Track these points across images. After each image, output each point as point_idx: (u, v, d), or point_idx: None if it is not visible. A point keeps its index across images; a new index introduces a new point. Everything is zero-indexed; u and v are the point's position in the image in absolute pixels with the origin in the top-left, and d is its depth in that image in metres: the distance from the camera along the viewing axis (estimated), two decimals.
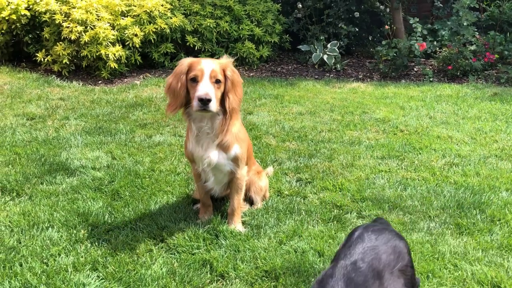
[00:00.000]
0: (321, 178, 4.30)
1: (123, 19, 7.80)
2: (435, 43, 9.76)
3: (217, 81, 3.11)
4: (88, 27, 7.41)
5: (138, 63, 8.08)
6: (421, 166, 4.61)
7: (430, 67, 9.14)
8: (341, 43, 9.65)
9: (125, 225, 3.46)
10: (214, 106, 3.06)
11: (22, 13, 7.50)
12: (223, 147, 3.27)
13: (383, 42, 8.97)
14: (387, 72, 8.70)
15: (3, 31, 7.62)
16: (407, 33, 9.55)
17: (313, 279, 2.87)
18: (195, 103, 3.04)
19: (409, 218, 3.64)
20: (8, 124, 5.50)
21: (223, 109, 3.19)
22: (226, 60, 3.22)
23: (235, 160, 3.35)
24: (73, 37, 7.31)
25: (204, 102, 3.00)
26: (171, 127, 5.59)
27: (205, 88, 3.03)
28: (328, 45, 9.27)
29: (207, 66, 3.09)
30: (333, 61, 9.05)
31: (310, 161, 4.69)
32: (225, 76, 3.15)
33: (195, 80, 3.09)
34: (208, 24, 8.43)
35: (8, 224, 3.43)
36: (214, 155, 3.26)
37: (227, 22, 8.71)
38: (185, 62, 3.18)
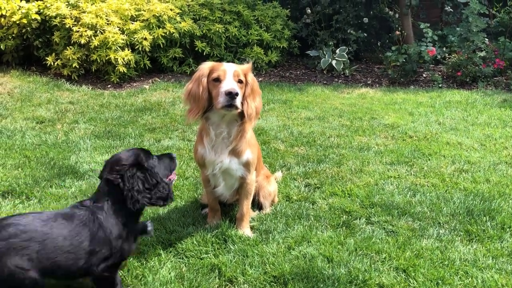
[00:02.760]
0: (330, 184, 4.29)
1: (132, 23, 7.84)
2: (444, 49, 9.73)
3: (240, 81, 3.13)
4: (98, 32, 7.45)
5: (147, 68, 8.11)
6: (430, 172, 4.59)
7: (439, 73, 9.10)
8: (350, 48, 9.64)
9: None
10: (239, 102, 3.06)
11: (33, 17, 7.54)
12: (236, 153, 3.28)
13: (393, 48, 8.96)
14: (396, 77, 8.68)
15: (13, 35, 7.66)
16: (416, 39, 9.53)
17: (322, 285, 2.86)
18: (220, 99, 3.03)
19: (418, 224, 3.62)
20: (18, 127, 5.53)
21: (240, 115, 3.19)
22: (247, 65, 3.25)
23: (247, 165, 3.35)
24: (83, 41, 7.34)
25: (232, 96, 3.00)
26: (180, 131, 5.60)
27: (231, 84, 3.06)
28: (337, 51, 9.27)
29: (230, 67, 3.13)
30: (341, 66, 9.04)
31: (318, 166, 4.68)
32: (245, 81, 3.17)
33: (218, 80, 3.10)
34: (217, 29, 8.45)
35: None
36: (226, 160, 3.26)
37: (236, 27, 8.73)
38: (205, 65, 3.20)
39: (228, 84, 3.05)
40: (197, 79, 3.18)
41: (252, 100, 3.20)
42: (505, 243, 3.38)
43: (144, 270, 2.98)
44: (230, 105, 3.02)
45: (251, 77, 3.22)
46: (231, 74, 3.09)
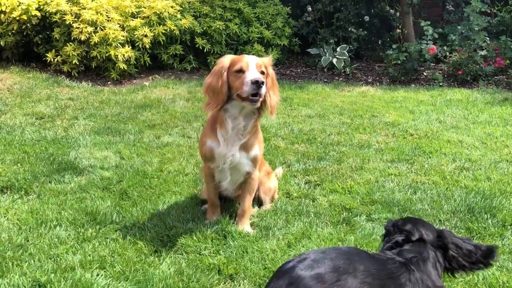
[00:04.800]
0: (330, 181, 4.28)
1: (133, 20, 7.82)
2: (445, 47, 9.70)
3: (262, 73, 3.13)
4: (98, 28, 7.43)
5: (147, 65, 8.09)
6: (431, 170, 4.57)
7: (440, 71, 9.08)
8: (351, 46, 9.60)
9: (133, 224, 3.45)
10: (264, 91, 3.07)
11: (33, 14, 7.52)
12: (246, 147, 3.28)
13: (394, 46, 8.93)
14: (397, 76, 8.66)
15: (14, 31, 7.64)
16: (417, 37, 9.51)
17: None
18: (246, 88, 3.03)
19: None
20: (17, 123, 5.51)
21: (258, 109, 3.21)
22: (268, 58, 3.25)
23: (254, 160, 3.35)
24: (83, 37, 7.32)
25: (258, 84, 3.00)
26: (180, 128, 5.58)
27: (255, 74, 3.06)
28: (338, 49, 9.24)
29: (252, 59, 3.13)
30: (342, 64, 9.02)
31: (319, 163, 4.67)
32: (267, 73, 3.18)
33: (241, 71, 3.09)
34: (218, 26, 8.43)
35: (16, 222, 3.43)
36: (237, 154, 3.26)
37: (236, 24, 8.71)
38: (226, 58, 3.20)
39: (253, 73, 3.05)
40: (217, 73, 3.18)
41: (274, 93, 3.23)
42: (506, 240, 3.37)
43: (143, 266, 2.97)
44: (256, 94, 3.03)
45: (271, 70, 3.24)
46: (254, 65, 3.10)
